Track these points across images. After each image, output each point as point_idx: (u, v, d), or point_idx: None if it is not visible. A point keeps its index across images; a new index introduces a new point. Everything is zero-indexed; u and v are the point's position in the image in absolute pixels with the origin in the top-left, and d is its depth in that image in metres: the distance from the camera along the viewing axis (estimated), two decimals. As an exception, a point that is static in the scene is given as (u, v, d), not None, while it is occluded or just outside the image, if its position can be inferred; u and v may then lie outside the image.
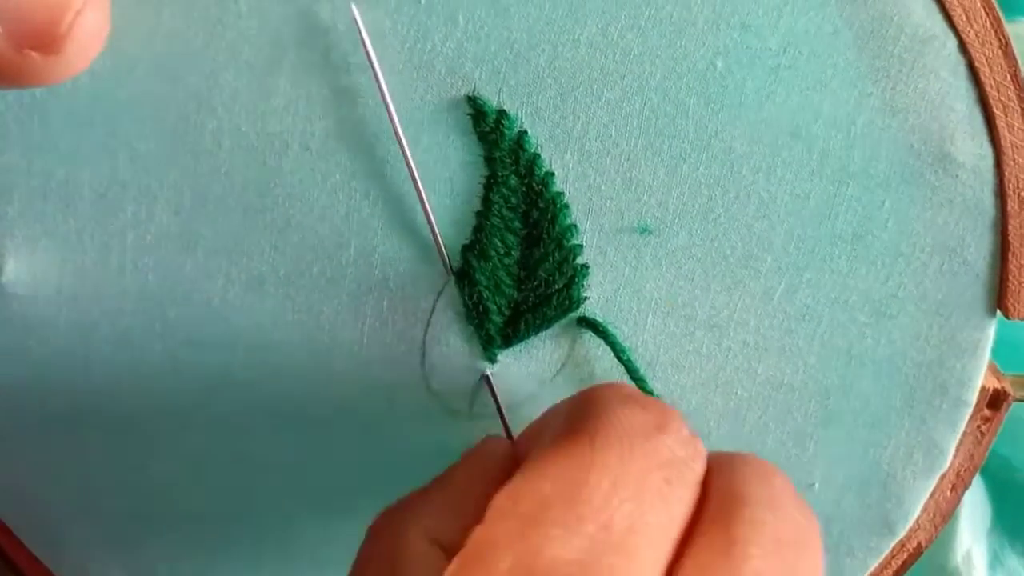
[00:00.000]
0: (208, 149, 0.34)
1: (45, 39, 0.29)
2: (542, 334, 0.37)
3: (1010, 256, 0.36)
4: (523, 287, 0.36)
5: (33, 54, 0.29)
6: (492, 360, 0.37)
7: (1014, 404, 0.40)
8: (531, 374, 0.38)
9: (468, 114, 0.34)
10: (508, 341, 0.37)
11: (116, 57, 0.33)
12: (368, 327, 0.36)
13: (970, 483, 0.41)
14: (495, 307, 0.36)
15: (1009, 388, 0.39)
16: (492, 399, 0.37)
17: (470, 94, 0.34)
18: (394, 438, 0.38)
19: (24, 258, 0.35)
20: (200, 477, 0.38)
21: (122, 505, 0.38)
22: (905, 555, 0.42)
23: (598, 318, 0.37)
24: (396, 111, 0.34)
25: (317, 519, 0.40)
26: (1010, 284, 0.36)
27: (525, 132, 0.34)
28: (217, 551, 0.40)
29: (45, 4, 0.29)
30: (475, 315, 0.36)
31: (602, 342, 0.37)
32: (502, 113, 0.34)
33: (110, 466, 0.38)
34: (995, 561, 0.53)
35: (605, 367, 0.38)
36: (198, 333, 0.36)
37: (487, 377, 0.37)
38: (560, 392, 0.37)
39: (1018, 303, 0.37)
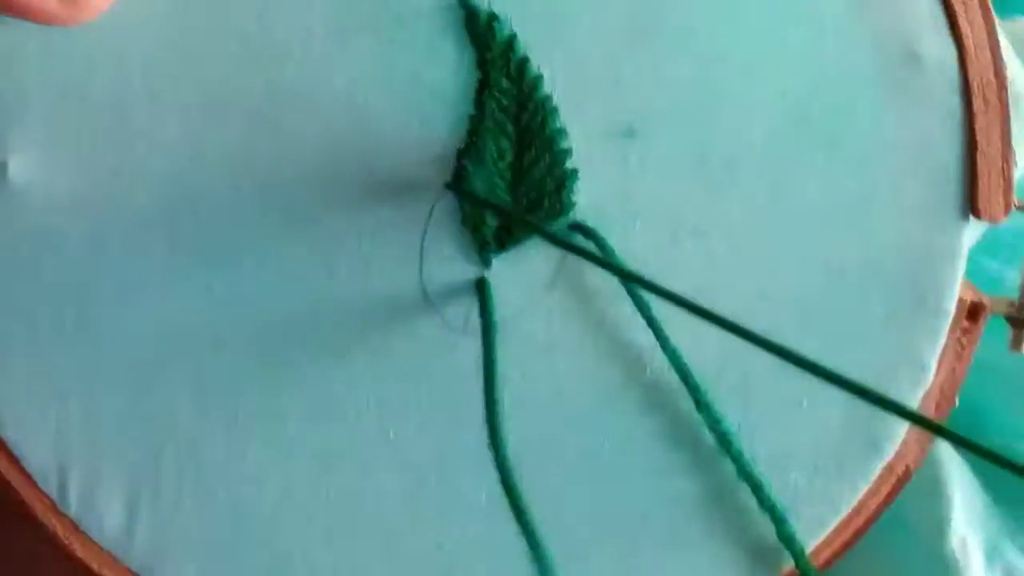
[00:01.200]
0: (216, 55, 0.36)
1: None
2: (535, 245, 0.38)
3: (979, 155, 0.38)
4: (516, 191, 0.38)
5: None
6: (487, 264, 0.38)
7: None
8: (525, 286, 0.39)
9: (460, 17, 0.36)
10: (503, 245, 0.38)
11: None
12: (367, 236, 0.38)
13: (954, 401, 0.42)
14: (489, 211, 0.37)
15: (986, 301, 0.41)
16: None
17: None
18: (394, 356, 0.39)
19: (42, 168, 0.36)
20: (206, 399, 0.39)
21: (129, 425, 0.39)
22: (894, 479, 0.42)
23: (587, 224, 0.38)
24: (390, 14, 0.35)
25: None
26: (980, 184, 0.38)
27: (515, 35, 0.36)
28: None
29: None
30: (470, 219, 0.37)
31: (593, 250, 0.38)
32: (493, 16, 0.36)
33: (117, 383, 0.38)
34: (993, 552, 0.53)
35: (596, 280, 0.39)
36: (207, 244, 0.37)
37: (481, 282, 0.38)
38: (554, 304, 0.38)
39: (989, 204, 0.38)
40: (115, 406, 0.38)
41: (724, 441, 0.40)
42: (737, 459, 0.39)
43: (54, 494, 0.39)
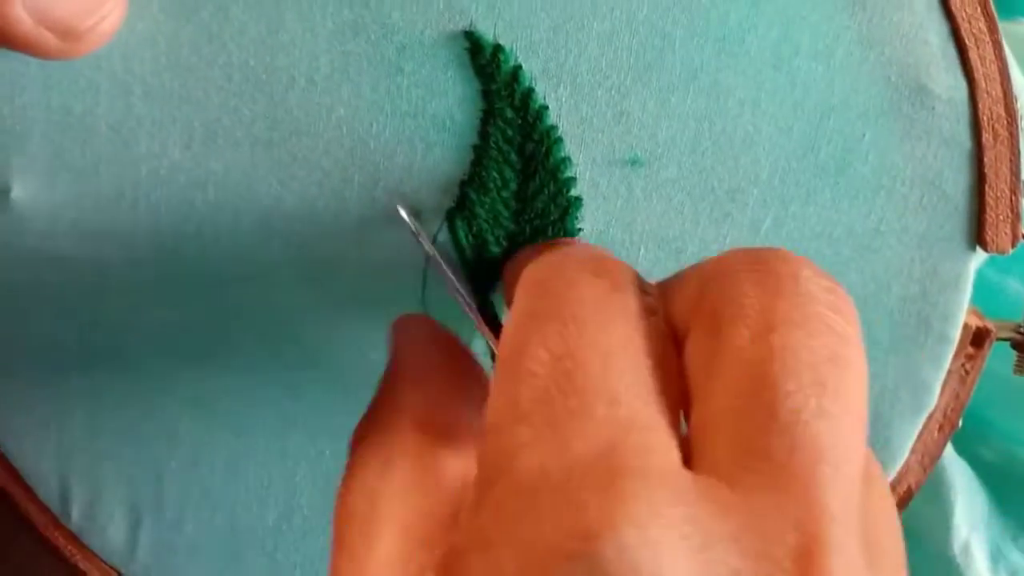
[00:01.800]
0: (219, 83, 0.36)
1: (64, 30, 0.32)
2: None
3: (987, 188, 0.38)
4: (520, 220, 0.38)
5: (48, 34, 0.32)
6: (493, 290, 0.38)
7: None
8: None
9: (465, 48, 0.36)
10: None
11: None
12: (371, 261, 0.38)
13: (957, 424, 0.42)
14: (493, 239, 0.38)
15: (992, 327, 0.41)
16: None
17: (467, 28, 0.36)
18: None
19: (45, 193, 0.36)
20: (208, 416, 0.40)
21: (131, 440, 0.40)
22: (895, 499, 0.42)
23: None
24: (394, 45, 0.35)
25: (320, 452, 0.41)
26: (988, 216, 0.38)
27: (520, 66, 0.36)
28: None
29: (74, 6, 0.32)
30: (474, 248, 0.38)
31: None
32: (498, 47, 0.36)
33: (121, 402, 0.39)
34: (997, 555, 0.53)
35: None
36: (211, 268, 0.38)
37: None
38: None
39: (996, 236, 0.38)
40: (117, 422, 0.39)
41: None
42: None
43: (56, 507, 0.39)
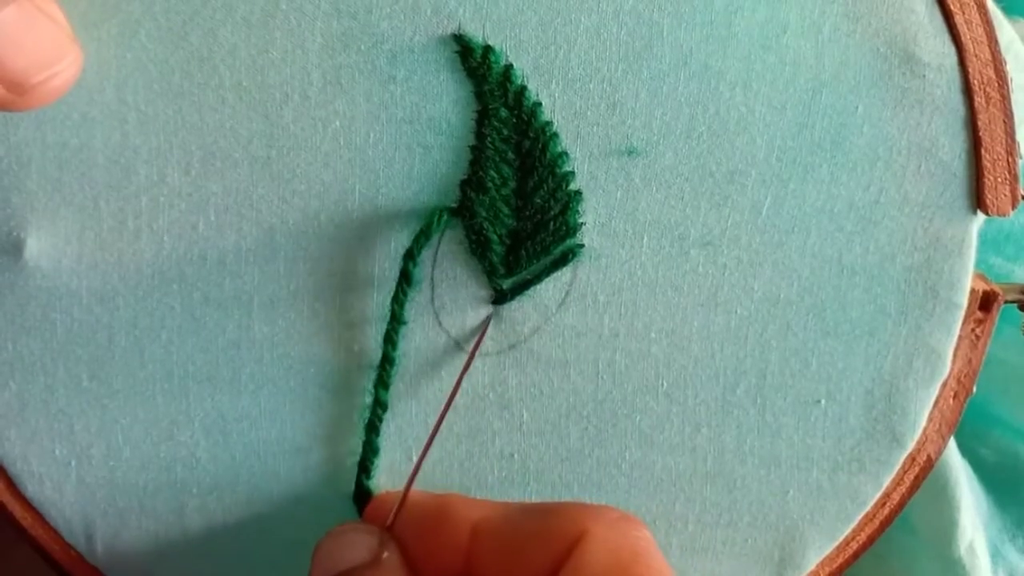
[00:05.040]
0: (213, 106, 0.36)
1: (13, 83, 0.32)
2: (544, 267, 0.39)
3: (983, 152, 0.38)
4: (521, 216, 0.38)
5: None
6: (497, 289, 0.38)
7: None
8: (536, 306, 0.39)
9: (455, 51, 0.36)
10: (511, 270, 0.38)
11: (121, 23, 0.35)
12: (378, 268, 0.38)
13: (972, 390, 0.42)
14: (496, 237, 0.38)
15: (999, 289, 0.41)
16: (483, 336, 0.39)
17: (456, 32, 0.36)
18: (408, 378, 0.39)
19: (46, 230, 0.37)
20: (225, 439, 0.40)
21: (147, 472, 0.40)
22: (917, 469, 0.42)
23: (595, 244, 0.38)
24: (385, 54, 0.36)
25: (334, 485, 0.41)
26: (986, 180, 0.38)
27: (511, 65, 0.36)
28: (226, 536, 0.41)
29: (26, 60, 0.32)
30: (477, 246, 0.38)
31: (605, 269, 0.38)
32: (488, 48, 0.36)
33: (135, 432, 0.39)
34: (996, 555, 0.53)
35: (607, 293, 0.39)
36: (216, 291, 0.38)
37: (488, 317, 0.38)
38: (564, 324, 0.39)
39: (995, 199, 0.38)
40: (136, 454, 0.39)
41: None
42: None
43: (81, 546, 0.40)
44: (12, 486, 0.40)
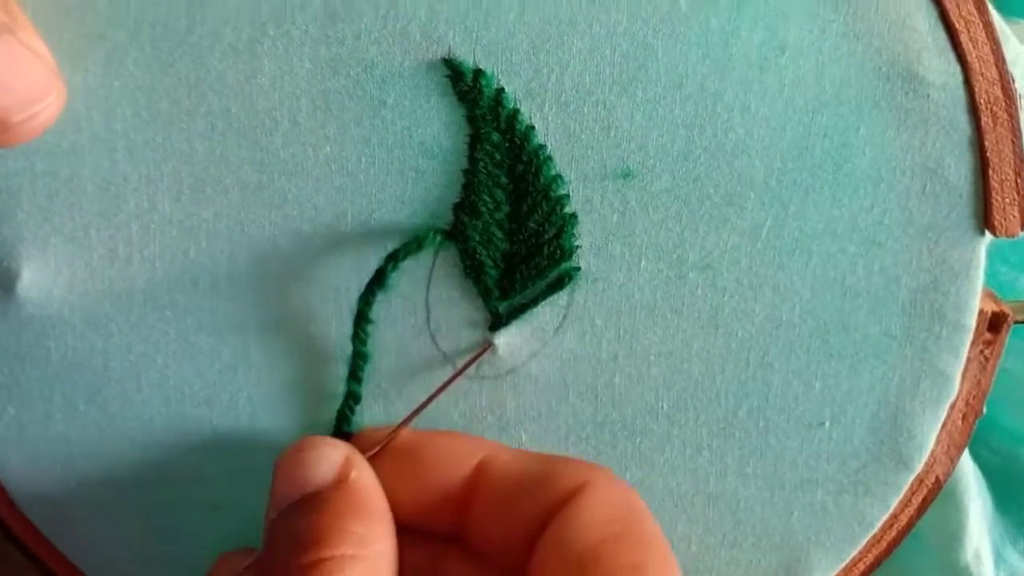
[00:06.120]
0: (202, 133, 0.36)
1: None
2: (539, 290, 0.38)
3: (990, 172, 0.37)
4: (515, 240, 0.37)
5: None
6: (493, 312, 0.38)
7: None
8: (534, 330, 0.38)
9: (446, 76, 0.35)
10: (506, 293, 0.38)
11: (107, 51, 0.35)
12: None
13: (981, 411, 0.41)
14: (490, 261, 0.37)
15: (1008, 310, 0.40)
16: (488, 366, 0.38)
17: (446, 56, 0.35)
18: (405, 400, 0.39)
19: (37, 259, 0.36)
20: (224, 465, 0.40)
21: (144, 498, 0.40)
22: (925, 490, 0.42)
23: (591, 267, 0.38)
24: (375, 79, 0.35)
25: None
26: (994, 200, 0.37)
27: (503, 89, 0.36)
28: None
29: (10, 99, 0.31)
30: (471, 270, 0.37)
31: (602, 292, 0.38)
32: (479, 72, 0.35)
33: (132, 459, 0.39)
34: (998, 558, 0.53)
35: (605, 316, 0.38)
36: (209, 317, 0.38)
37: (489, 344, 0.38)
38: (562, 347, 0.38)
39: (1004, 219, 0.37)
40: (136, 480, 0.39)
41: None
42: None
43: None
44: (14, 508, 0.40)
